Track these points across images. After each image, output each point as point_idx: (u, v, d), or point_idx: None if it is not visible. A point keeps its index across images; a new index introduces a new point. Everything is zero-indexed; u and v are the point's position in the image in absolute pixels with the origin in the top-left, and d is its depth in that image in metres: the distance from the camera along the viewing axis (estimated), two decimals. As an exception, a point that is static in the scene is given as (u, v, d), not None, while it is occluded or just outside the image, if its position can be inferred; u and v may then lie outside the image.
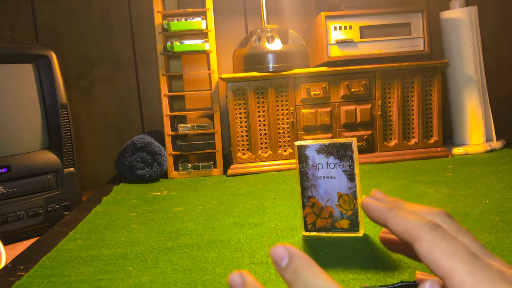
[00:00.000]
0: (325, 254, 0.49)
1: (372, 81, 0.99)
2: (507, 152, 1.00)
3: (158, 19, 0.99)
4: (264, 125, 0.99)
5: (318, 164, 0.53)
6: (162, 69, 1.00)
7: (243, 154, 1.00)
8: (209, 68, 1.04)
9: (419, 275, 0.33)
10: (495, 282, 0.23)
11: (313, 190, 0.54)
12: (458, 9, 1.05)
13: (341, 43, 0.98)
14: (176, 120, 1.12)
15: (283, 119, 1.00)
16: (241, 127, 0.99)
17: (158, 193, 0.85)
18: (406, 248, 0.31)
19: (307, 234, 0.55)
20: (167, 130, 0.99)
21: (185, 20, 0.97)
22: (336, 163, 0.52)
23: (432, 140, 1.02)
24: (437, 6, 1.21)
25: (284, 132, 1.00)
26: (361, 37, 0.99)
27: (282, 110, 0.99)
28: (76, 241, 0.59)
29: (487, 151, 1.02)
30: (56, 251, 0.56)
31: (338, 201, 0.53)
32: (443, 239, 0.25)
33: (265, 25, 1.02)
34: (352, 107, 0.99)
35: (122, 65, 1.23)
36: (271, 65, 0.96)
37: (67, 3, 1.20)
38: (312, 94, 0.98)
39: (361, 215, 0.53)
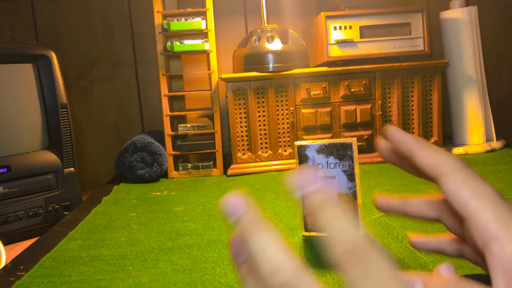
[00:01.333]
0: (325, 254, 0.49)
1: (372, 81, 0.99)
2: (507, 152, 1.00)
3: (158, 19, 0.99)
4: (264, 125, 0.99)
5: (318, 164, 0.53)
6: (162, 69, 1.00)
7: (243, 154, 1.00)
8: (209, 68, 1.04)
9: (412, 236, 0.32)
10: None
11: (313, 190, 0.53)
12: (458, 9, 1.05)
13: (341, 43, 0.98)
14: (176, 120, 1.12)
15: (283, 119, 0.99)
16: (241, 127, 0.99)
17: (158, 193, 0.85)
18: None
19: (307, 234, 0.55)
20: (167, 130, 0.99)
21: (185, 20, 0.97)
22: (336, 163, 0.52)
23: (432, 140, 1.02)
24: (437, 6, 1.21)
25: (284, 132, 1.00)
26: (361, 37, 0.99)
27: (282, 110, 0.99)
28: (76, 241, 0.59)
29: (487, 151, 1.02)
30: (56, 251, 0.56)
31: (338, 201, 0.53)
32: (472, 179, 0.23)
33: (265, 25, 1.02)
34: (352, 107, 0.99)
35: (122, 65, 1.23)
36: (271, 65, 0.96)
37: (67, 3, 1.20)
38: (312, 94, 0.98)
39: (361, 215, 0.53)
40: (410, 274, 0.25)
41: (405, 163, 0.30)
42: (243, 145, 0.99)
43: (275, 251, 0.20)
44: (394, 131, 0.27)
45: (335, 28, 0.98)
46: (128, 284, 0.45)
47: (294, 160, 0.92)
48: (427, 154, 0.25)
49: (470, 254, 0.29)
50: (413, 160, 0.26)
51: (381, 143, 0.30)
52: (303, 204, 0.55)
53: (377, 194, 0.32)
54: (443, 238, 0.31)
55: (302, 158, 0.53)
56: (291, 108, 0.99)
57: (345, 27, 0.98)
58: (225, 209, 0.22)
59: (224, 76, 0.97)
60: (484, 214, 0.22)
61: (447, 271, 0.25)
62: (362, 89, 0.99)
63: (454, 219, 0.28)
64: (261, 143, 1.00)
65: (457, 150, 1.03)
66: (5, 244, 0.71)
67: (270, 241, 0.21)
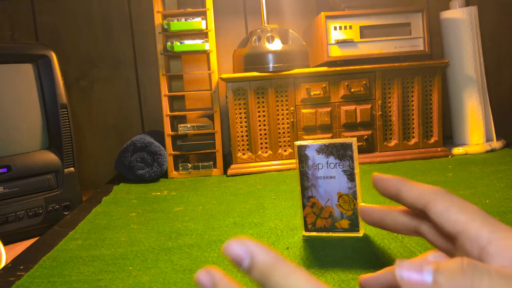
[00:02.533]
0: (325, 254, 0.49)
1: (372, 81, 0.99)
2: (507, 152, 1.00)
3: (158, 19, 0.99)
4: (264, 125, 0.99)
5: (318, 164, 0.53)
6: (162, 69, 1.00)
7: (243, 154, 1.00)
8: (209, 68, 1.04)
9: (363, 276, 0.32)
10: (508, 229, 0.23)
11: (313, 190, 0.54)
12: (458, 9, 1.05)
13: (341, 43, 0.98)
14: (176, 120, 1.12)
15: (283, 119, 0.99)
16: (241, 127, 0.99)
17: (158, 193, 0.85)
18: (386, 217, 0.32)
19: (307, 234, 0.55)
20: (167, 130, 0.99)
21: (185, 20, 0.97)
22: (336, 163, 0.52)
23: (432, 140, 1.02)
24: (437, 6, 1.21)
25: (284, 132, 1.00)
26: (361, 37, 0.99)
27: (282, 110, 0.99)
28: (76, 241, 0.59)
29: (487, 151, 1.02)
30: (56, 251, 0.56)
31: (338, 201, 0.53)
32: (458, 200, 0.26)
33: (265, 25, 1.02)
34: (352, 107, 0.99)
35: (122, 65, 1.23)
36: (271, 65, 0.96)
37: (67, 3, 1.20)
38: (312, 94, 0.98)
39: (361, 215, 0.53)
40: (417, 260, 0.25)
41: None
42: (243, 145, 0.99)
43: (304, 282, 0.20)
44: (378, 176, 0.30)
45: (335, 28, 0.98)
46: (128, 284, 0.45)
47: (294, 160, 0.92)
48: (413, 189, 0.27)
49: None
50: (400, 197, 0.28)
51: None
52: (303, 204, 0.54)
53: (361, 203, 0.34)
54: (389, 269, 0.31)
55: (302, 158, 0.53)
56: (291, 108, 0.99)
57: (345, 27, 0.98)
58: (232, 259, 0.21)
59: (224, 76, 0.97)
60: (474, 225, 0.24)
61: (437, 258, 0.26)
62: (362, 89, 0.99)
63: (434, 230, 0.29)
64: (261, 143, 1.00)
65: (457, 150, 1.03)
66: (5, 244, 0.71)
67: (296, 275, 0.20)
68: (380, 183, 0.30)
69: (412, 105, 1.01)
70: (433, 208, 0.26)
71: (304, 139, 0.99)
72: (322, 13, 0.98)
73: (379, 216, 0.33)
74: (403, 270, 0.21)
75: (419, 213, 0.30)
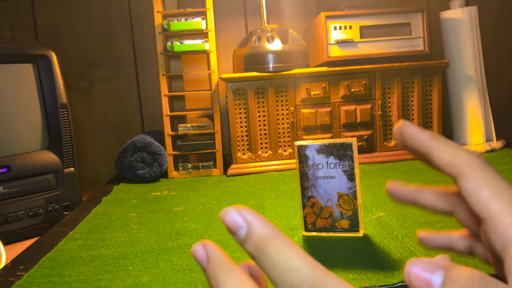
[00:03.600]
0: (325, 254, 0.49)
1: (372, 81, 0.99)
2: (507, 152, 1.00)
3: (158, 19, 0.99)
4: (264, 125, 0.99)
5: (318, 164, 0.53)
6: (162, 69, 1.00)
7: (243, 154, 1.00)
8: (209, 68, 1.04)
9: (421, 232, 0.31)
10: None
11: (313, 190, 0.54)
12: (458, 9, 1.05)
13: (341, 43, 0.98)
14: (176, 120, 1.12)
15: (283, 119, 0.99)
16: (241, 127, 0.99)
17: (158, 193, 0.85)
18: (419, 195, 0.29)
19: (307, 234, 0.55)
20: (167, 130, 0.99)
21: (185, 20, 0.97)
22: (336, 163, 0.52)
23: (432, 140, 1.02)
24: (437, 6, 1.21)
25: (284, 132, 1.00)
26: (361, 37, 0.99)
27: (282, 110, 0.99)
28: (76, 241, 0.59)
29: (487, 151, 1.02)
30: (56, 251, 0.56)
31: (338, 201, 0.53)
32: (494, 178, 0.22)
33: (265, 25, 1.02)
34: (352, 107, 0.99)
35: (122, 65, 1.23)
36: (271, 65, 0.96)
37: (67, 3, 1.20)
38: (312, 94, 0.98)
39: (361, 215, 0.53)
40: (430, 260, 0.24)
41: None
42: (243, 145, 0.99)
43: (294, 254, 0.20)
44: (409, 126, 0.25)
45: (335, 28, 0.98)
46: (128, 284, 0.45)
47: (294, 160, 0.92)
48: (445, 151, 0.24)
49: (481, 252, 0.28)
50: (430, 158, 0.25)
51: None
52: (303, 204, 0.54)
53: (391, 182, 0.31)
54: (453, 234, 0.30)
55: (302, 158, 0.53)
56: (291, 108, 0.99)
57: (345, 27, 0.98)
58: (228, 226, 0.21)
59: (224, 76, 0.97)
60: (505, 217, 0.21)
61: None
62: (362, 89, 0.99)
63: (469, 214, 0.27)
64: (261, 143, 1.00)
65: (457, 150, 1.03)
66: (5, 244, 0.71)
67: (288, 246, 0.20)
68: (408, 136, 0.25)
69: (412, 105, 1.01)
70: (464, 183, 0.23)
71: (304, 139, 0.99)
72: (322, 13, 0.98)
73: (412, 192, 0.30)
74: (413, 267, 0.20)
75: (453, 193, 0.28)
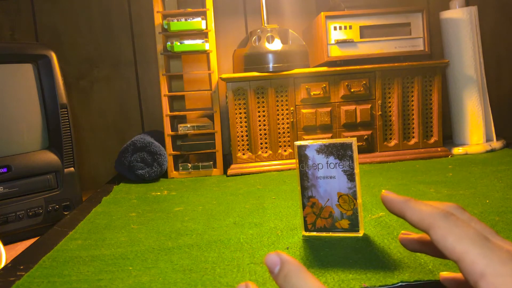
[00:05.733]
0: (325, 254, 0.49)
1: (372, 81, 0.99)
2: (507, 152, 1.00)
3: (158, 19, 0.99)
4: (264, 125, 0.99)
5: (318, 164, 0.53)
6: (162, 69, 1.00)
7: (243, 154, 1.00)
8: (209, 68, 1.04)
9: (443, 274, 0.34)
10: (504, 262, 0.23)
11: (313, 190, 0.54)
12: (458, 9, 1.05)
13: (341, 43, 0.98)
14: (176, 120, 1.12)
15: (283, 119, 1.00)
16: (241, 127, 0.99)
17: (158, 193, 0.85)
18: (425, 246, 0.34)
19: (307, 234, 0.55)
20: (167, 130, 0.99)
21: (185, 20, 0.97)
22: (336, 163, 0.52)
23: (432, 140, 1.02)
24: (437, 6, 1.21)
25: (284, 132, 1.00)
26: (361, 37, 0.99)
27: (282, 110, 0.99)
28: (76, 241, 0.59)
29: (487, 151, 1.02)
30: (56, 251, 0.56)
31: (338, 201, 0.53)
32: (456, 225, 0.26)
33: (265, 25, 1.02)
34: (352, 107, 0.99)
35: (122, 65, 1.23)
36: (271, 65, 0.96)
37: (67, 3, 1.20)
38: (312, 94, 0.98)
39: (361, 215, 0.53)
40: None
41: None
42: (243, 145, 0.99)
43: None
44: (387, 195, 0.31)
45: (335, 28, 0.98)
46: (128, 284, 0.45)
47: (294, 160, 0.92)
48: (415, 211, 0.29)
49: None
50: (405, 218, 0.29)
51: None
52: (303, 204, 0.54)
53: (401, 232, 0.36)
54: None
55: (302, 158, 0.53)
56: (291, 108, 0.99)
57: (345, 27, 0.98)
58: (268, 266, 0.27)
59: (224, 76, 0.97)
60: (469, 256, 0.24)
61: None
62: (362, 89, 0.99)
63: None
64: (261, 143, 1.00)
65: (457, 150, 1.03)
66: (5, 244, 0.71)
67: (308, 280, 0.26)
68: (387, 203, 0.31)
69: (412, 105, 1.01)
70: (433, 235, 0.27)
71: (304, 139, 0.99)
72: (322, 13, 0.98)
73: (420, 243, 0.34)
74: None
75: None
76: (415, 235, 0.35)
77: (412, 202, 0.29)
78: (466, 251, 0.25)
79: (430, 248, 0.33)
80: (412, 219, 0.29)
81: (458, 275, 0.34)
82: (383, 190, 0.33)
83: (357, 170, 0.51)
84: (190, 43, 0.98)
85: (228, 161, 1.07)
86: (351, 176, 0.52)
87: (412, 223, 0.29)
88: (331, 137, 1.00)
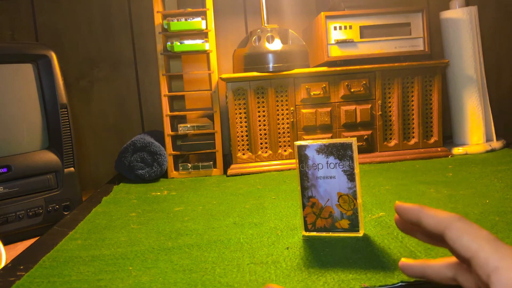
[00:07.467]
0: (325, 254, 0.49)
1: (372, 81, 0.99)
2: (507, 152, 1.00)
3: (158, 19, 0.99)
4: (264, 125, 0.99)
5: (318, 164, 0.53)
6: (162, 69, 1.00)
7: (243, 154, 1.00)
8: (209, 68, 1.04)
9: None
10: None
11: (313, 190, 0.54)
12: (458, 9, 1.05)
13: (341, 43, 0.98)
14: (176, 120, 1.12)
15: (283, 119, 1.00)
16: (241, 127, 0.99)
17: (158, 193, 0.85)
18: (426, 268, 0.36)
19: (307, 234, 0.55)
20: (167, 130, 0.99)
21: (185, 20, 0.97)
22: (336, 163, 0.52)
23: (432, 140, 1.02)
24: (437, 6, 1.21)
25: (284, 132, 1.00)
26: (361, 37, 0.99)
27: (282, 110, 0.99)
28: (76, 241, 0.59)
29: (487, 151, 1.02)
30: (56, 251, 0.56)
31: (338, 201, 0.53)
32: (471, 227, 0.29)
33: (265, 25, 1.02)
34: (352, 107, 0.99)
35: (122, 65, 1.23)
36: (271, 65, 0.96)
37: (67, 3, 1.20)
38: (312, 94, 0.98)
39: (361, 215, 0.53)
40: None
41: (416, 232, 0.37)
42: (243, 145, 0.99)
43: None
44: (400, 205, 0.34)
45: (335, 28, 0.98)
46: (128, 284, 0.45)
47: (294, 160, 0.92)
48: (431, 215, 0.32)
49: (467, 282, 0.33)
50: (421, 223, 0.32)
51: (396, 218, 0.37)
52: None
53: (402, 258, 0.37)
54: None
55: (302, 158, 0.53)
56: (291, 108, 0.99)
57: (345, 27, 0.98)
58: None
59: (224, 76, 0.97)
60: (484, 252, 0.27)
61: None
62: (362, 89, 0.99)
63: (468, 275, 0.33)
64: (261, 143, 1.00)
65: (457, 150, 1.03)
66: (5, 244, 0.71)
67: None
68: (402, 212, 0.34)
69: (412, 105, 1.01)
70: (449, 234, 0.29)
71: (304, 139, 0.99)
72: (322, 13, 0.98)
73: (420, 268, 0.36)
74: None
75: (454, 262, 0.34)
76: (414, 260, 0.37)
77: (426, 208, 0.32)
78: (480, 249, 0.27)
79: (433, 269, 0.35)
80: (429, 222, 0.31)
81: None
82: (396, 201, 0.35)
83: (357, 170, 0.52)
84: (190, 43, 0.98)
85: (228, 161, 1.07)
86: (351, 176, 0.52)
87: (429, 227, 0.31)
88: (331, 137, 1.00)
